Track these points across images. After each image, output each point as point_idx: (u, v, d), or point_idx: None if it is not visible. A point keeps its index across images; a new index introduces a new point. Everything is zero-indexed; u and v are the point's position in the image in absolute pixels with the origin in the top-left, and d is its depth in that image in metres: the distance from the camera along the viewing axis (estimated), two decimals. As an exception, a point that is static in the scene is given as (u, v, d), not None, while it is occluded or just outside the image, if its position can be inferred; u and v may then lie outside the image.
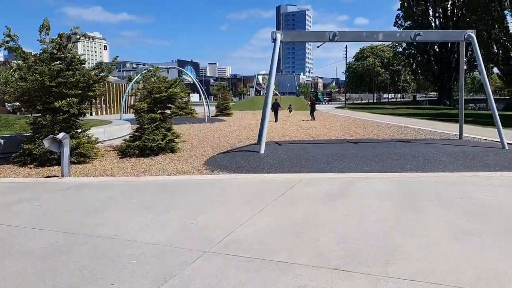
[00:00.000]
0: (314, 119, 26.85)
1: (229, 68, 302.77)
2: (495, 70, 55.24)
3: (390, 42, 70.73)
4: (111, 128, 13.69)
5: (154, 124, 10.66)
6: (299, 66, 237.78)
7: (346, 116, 31.45)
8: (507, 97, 58.16)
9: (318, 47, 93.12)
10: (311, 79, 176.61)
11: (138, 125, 10.98)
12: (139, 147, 10.42)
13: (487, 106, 52.72)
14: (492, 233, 4.51)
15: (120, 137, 13.04)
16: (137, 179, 7.99)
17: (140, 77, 24.39)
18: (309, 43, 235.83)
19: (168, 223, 4.89)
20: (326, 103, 78.62)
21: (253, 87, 63.37)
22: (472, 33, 11.50)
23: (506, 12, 50.61)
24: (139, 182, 7.61)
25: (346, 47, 72.32)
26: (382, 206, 5.67)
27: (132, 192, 6.63)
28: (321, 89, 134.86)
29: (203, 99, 27.54)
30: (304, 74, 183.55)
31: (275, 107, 25.72)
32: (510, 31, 49.92)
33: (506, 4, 50.17)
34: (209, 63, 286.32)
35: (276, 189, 6.70)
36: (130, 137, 11.02)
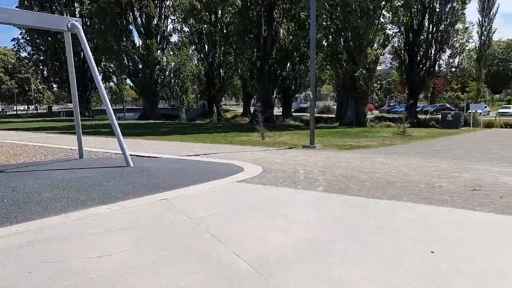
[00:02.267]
0: None
1: None
2: (128, 81, 57.93)
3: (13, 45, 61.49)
4: None
5: None
6: None
7: None
8: (141, 107, 62.46)
9: None
10: None
11: None
12: None
13: (124, 116, 54.58)
14: None
15: None
16: None
17: None
18: None
19: None
20: None
21: None
22: (76, 22, 8.81)
23: (131, 27, 53.82)
24: None
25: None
26: None
27: None
28: None
29: None
30: None
31: None
32: (137, 45, 53.37)
33: (130, 19, 53.35)
34: None
35: None
36: None
